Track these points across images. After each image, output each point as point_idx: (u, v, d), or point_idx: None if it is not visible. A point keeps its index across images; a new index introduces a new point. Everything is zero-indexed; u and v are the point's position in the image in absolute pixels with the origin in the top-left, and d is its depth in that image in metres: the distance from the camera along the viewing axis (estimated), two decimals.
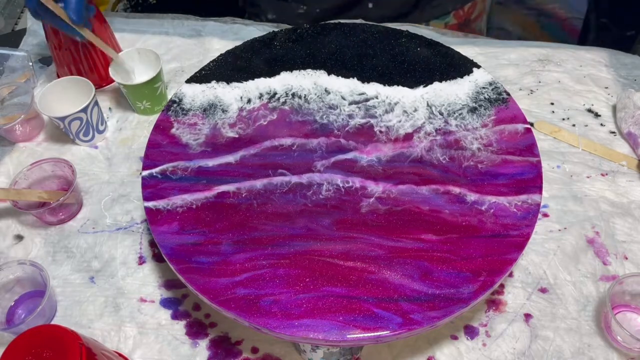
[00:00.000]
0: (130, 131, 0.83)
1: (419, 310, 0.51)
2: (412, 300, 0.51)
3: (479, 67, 0.71)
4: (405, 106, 0.67)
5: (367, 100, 0.68)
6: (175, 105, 0.69)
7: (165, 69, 0.90)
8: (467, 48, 0.90)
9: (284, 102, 0.69)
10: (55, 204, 0.69)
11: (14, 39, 0.97)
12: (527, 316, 0.63)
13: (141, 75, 0.83)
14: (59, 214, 0.72)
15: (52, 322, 0.64)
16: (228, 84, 0.71)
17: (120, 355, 0.60)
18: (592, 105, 0.83)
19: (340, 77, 0.71)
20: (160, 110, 0.69)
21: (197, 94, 0.70)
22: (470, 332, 0.62)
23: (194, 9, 1.02)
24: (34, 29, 0.97)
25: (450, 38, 0.93)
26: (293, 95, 0.69)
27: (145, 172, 0.62)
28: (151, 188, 0.61)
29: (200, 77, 0.72)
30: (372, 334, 0.49)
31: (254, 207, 0.59)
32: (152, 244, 0.70)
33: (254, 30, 0.96)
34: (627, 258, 0.67)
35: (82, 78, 0.79)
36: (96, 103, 0.78)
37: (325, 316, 0.50)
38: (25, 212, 0.71)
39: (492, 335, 0.62)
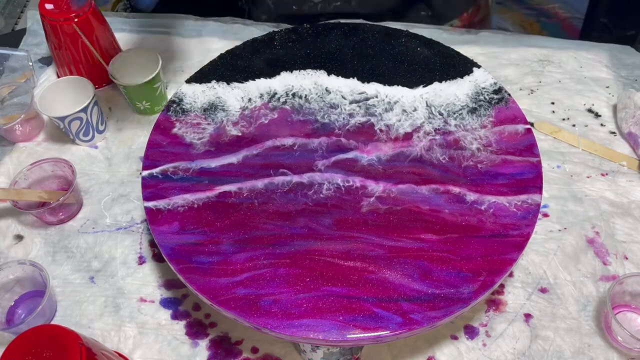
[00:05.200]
0: (130, 131, 0.83)
1: (419, 310, 0.51)
2: (412, 300, 0.51)
3: (479, 67, 0.71)
4: (405, 105, 0.67)
5: (367, 99, 0.68)
6: (175, 105, 0.69)
7: (165, 69, 0.90)
8: (467, 48, 0.90)
9: (285, 102, 0.69)
10: (55, 203, 0.69)
11: (14, 39, 0.97)
12: (527, 316, 0.63)
13: (141, 75, 0.83)
14: (59, 214, 0.72)
15: (52, 322, 0.64)
16: (228, 84, 0.71)
17: (120, 355, 0.60)
18: (593, 105, 0.83)
19: (340, 77, 0.71)
20: (160, 111, 0.69)
21: (197, 94, 0.70)
22: (470, 332, 0.62)
23: (194, 9, 1.02)
24: (34, 29, 0.97)
25: (450, 35, 0.93)
26: (294, 95, 0.69)
27: (145, 172, 0.62)
28: (151, 188, 0.61)
29: (200, 77, 0.72)
30: (372, 334, 0.49)
31: (255, 207, 0.59)
32: (152, 244, 0.70)
33: (254, 30, 0.96)
34: (627, 258, 0.67)
35: (82, 78, 0.79)
36: (96, 103, 0.78)
37: (326, 316, 0.50)
38: (25, 212, 0.71)
39: (492, 335, 0.62)
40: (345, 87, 0.70)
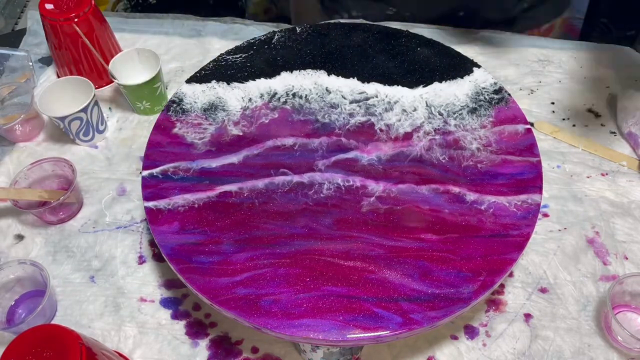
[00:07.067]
0: (130, 131, 0.83)
1: (419, 310, 0.51)
2: (412, 300, 0.51)
3: (479, 67, 0.71)
4: (405, 105, 0.67)
5: (367, 99, 0.68)
6: (175, 105, 0.69)
7: (165, 69, 0.90)
8: (467, 48, 0.90)
9: (285, 102, 0.69)
10: (56, 203, 0.69)
11: (14, 39, 0.97)
12: (527, 316, 0.63)
13: (141, 75, 0.83)
14: (59, 213, 0.72)
15: (53, 322, 0.64)
16: (228, 84, 0.71)
17: (120, 355, 0.60)
18: (593, 105, 0.83)
19: (340, 77, 0.71)
20: (160, 111, 0.69)
21: (198, 94, 0.70)
22: (470, 332, 0.62)
23: (194, 9, 1.02)
24: (34, 29, 0.97)
25: (450, 35, 0.93)
26: (294, 95, 0.69)
27: (146, 172, 0.62)
28: (152, 188, 0.61)
29: (200, 77, 0.72)
30: (372, 334, 0.49)
31: (255, 207, 0.59)
32: (152, 244, 0.70)
33: (254, 30, 0.96)
34: (627, 258, 0.67)
35: (82, 78, 0.79)
36: (96, 103, 0.78)
37: (326, 316, 0.50)
38: (26, 211, 0.71)
39: (492, 335, 0.62)
40: (345, 87, 0.70)
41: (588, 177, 0.75)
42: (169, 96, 0.86)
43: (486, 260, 0.54)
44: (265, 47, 0.75)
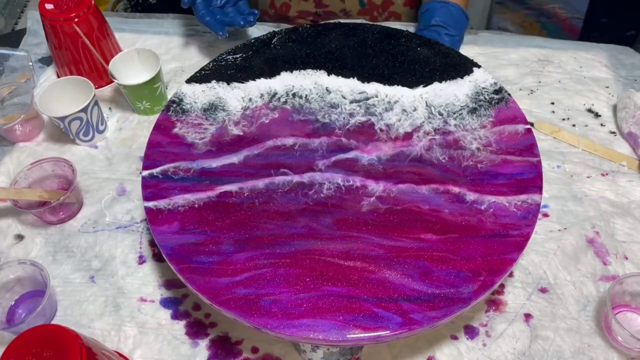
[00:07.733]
0: (130, 131, 0.83)
1: (419, 310, 0.51)
2: (412, 300, 0.51)
3: (479, 67, 0.71)
4: (405, 105, 0.67)
5: (367, 98, 0.68)
6: (175, 105, 0.69)
7: (165, 69, 0.90)
8: (467, 48, 0.90)
9: (285, 102, 0.69)
10: (56, 203, 0.69)
11: (14, 39, 0.97)
12: (527, 316, 0.63)
13: (141, 75, 0.83)
14: (59, 213, 0.72)
15: (53, 322, 0.64)
16: (228, 84, 0.71)
17: (120, 355, 0.60)
18: (593, 105, 0.83)
19: (340, 77, 0.71)
20: (160, 111, 0.69)
21: (197, 94, 0.70)
22: (470, 332, 0.62)
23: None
24: (34, 29, 0.97)
25: None
26: (294, 95, 0.69)
27: (146, 172, 0.62)
28: (152, 188, 0.61)
29: (200, 77, 0.72)
30: (372, 334, 0.49)
31: (255, 207, 0.59)
32: (152, 244, 0.70)
33: (254, 30, 0.96)
34: (627, 258, 0.67)
35: (82, 78, 0.79)
36: (96, 103, 0.78)
37: (326, 316, 0.50)
38: (26, 211, 0.71)
39: (492, 335, 0.62)
40: (345, 86, 0.70)
41: (588, 177, 0.75)
42: (169, 96, 0.86)
43: (486, 260, 0.54)
44: (265, 47, 0.75)
